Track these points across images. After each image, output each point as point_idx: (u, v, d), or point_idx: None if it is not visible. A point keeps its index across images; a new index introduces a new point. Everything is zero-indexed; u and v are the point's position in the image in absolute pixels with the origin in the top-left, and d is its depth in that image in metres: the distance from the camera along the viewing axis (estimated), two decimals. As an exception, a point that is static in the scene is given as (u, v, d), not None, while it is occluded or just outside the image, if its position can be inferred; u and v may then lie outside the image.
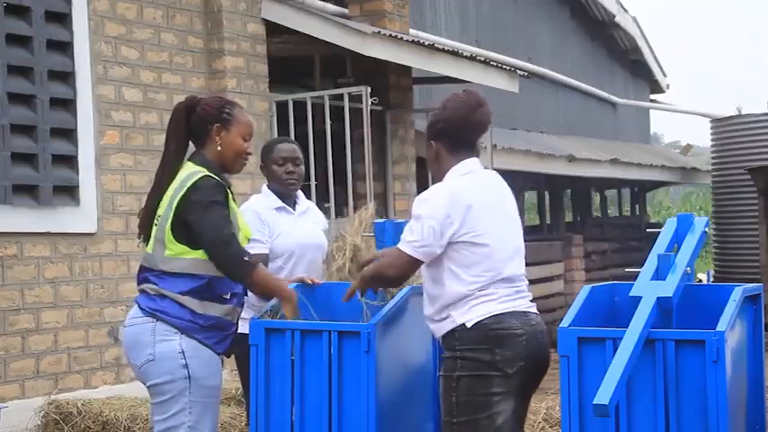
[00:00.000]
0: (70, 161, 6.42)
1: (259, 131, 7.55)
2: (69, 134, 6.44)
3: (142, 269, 3.65)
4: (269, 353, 3.83)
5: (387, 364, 3.73)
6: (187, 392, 3.52)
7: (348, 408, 3.70)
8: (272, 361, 3.83)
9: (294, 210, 4.56)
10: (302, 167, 4.60)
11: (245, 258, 3.53)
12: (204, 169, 3.59)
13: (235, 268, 3.53)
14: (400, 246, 3.52)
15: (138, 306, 3.61)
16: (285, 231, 4.44)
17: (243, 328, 4.18)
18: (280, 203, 4.52)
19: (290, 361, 3.79)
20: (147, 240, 3.65)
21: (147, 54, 7.00)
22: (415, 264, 3.50)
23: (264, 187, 4.63)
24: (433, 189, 3.57)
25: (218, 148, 3.64)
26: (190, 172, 3.57)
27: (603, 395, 3.10)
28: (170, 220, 3.54)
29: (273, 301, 3.98)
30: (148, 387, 3.61)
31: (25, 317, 6.19)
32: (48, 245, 6.29)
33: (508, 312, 3.48)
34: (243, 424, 5.87)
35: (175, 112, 3.72)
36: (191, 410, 3.53)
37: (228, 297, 3.60)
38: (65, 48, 6.48)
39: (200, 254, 3.54)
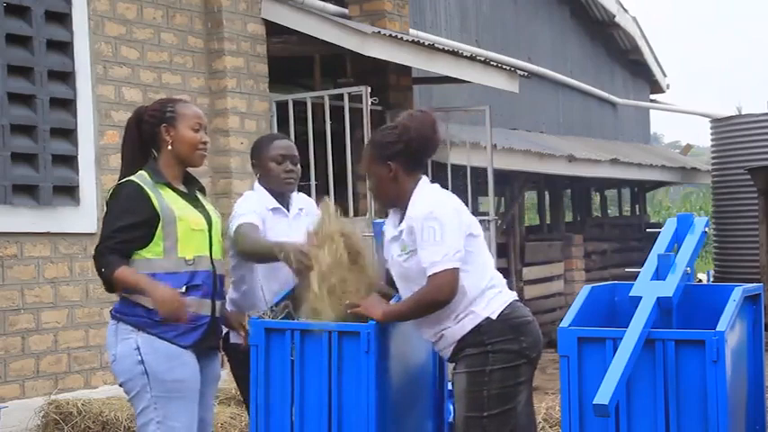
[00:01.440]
0: (70, 161, 6.42)
1: (259, 131, 7.56)
2: (69, 134, 6.44)
3: None
4: (269, 353, 3.83)
5: (387, 365, 3.73)
6: (148, 388, 3.57)
7: (348, 408, 3.69)
8: (272, 361, 3.82)
9: (288, 212, 4.28)
10: (299, 166, 4.35)
11: (103, 270, 3.57)
12: (143, 173, 3.67)
13: (102, 279, 3.62)
14: (435, 268, 3.46)
15: (110, 311, 3.73)
16: (279, 236, 4.11)
17: (235, 338, 4.15)
18: (275, 204, 4.24)
19: (289, 361, 3.79)
20: None
21: (147, 54, 7.00)
22: (458, 274, 3.49)
23: (257, 184, 4.33)
24: (429, 202, 3.56)
25: (169, 147, 3.70)
26: None
27: (603, 395, 3.10)
28: None
29: (274, 301, 3.98)
30: (120, 386, 3.71)
31: (25, 317, 6.19)
32: (48, 245, 6.28)
33: (515, 301, 3.66)
34: (243, 424, 5.87)
35: (126, 126, 3.83)
36: (156, 406, 3.57)
37: (184, 290, 3.61)
38: (65, 48, 6.48)
39: (143, 253, 3.59)
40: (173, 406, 3.57)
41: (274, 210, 4.22)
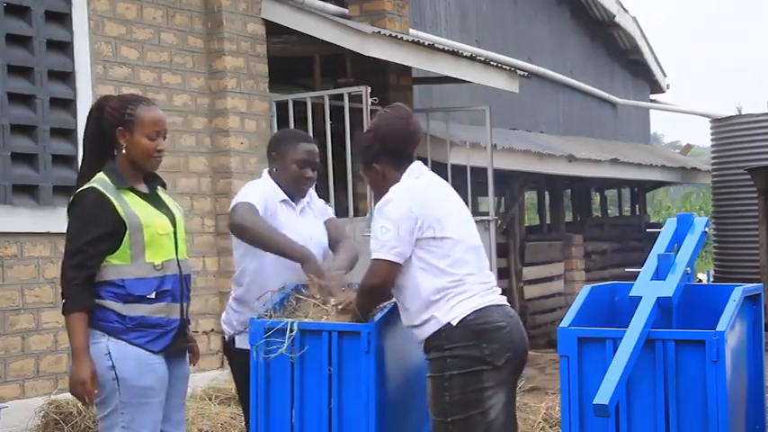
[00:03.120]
0: (70, 161, 6.42)
1: (259, 131, 7.57)
2: (69, 134, 6.44)
3: None
4: (269, 353, 3.82)
5: (387, 364, 3.73)
6: (117, 393, 3.53)
7: (348, 408, 3.69)
8: (272, 361, 3.82)
9: (296, 205, 4.25)
10: (317, 172, 4.31)
11: (64, 300, 3.51)
12: (104, 177, 3.57)
13: (63, 297, 3.54)
14: (374, 255, 3.56)
15: None
16: (288, 228, 4.11)
17: (241, 343, 4.14)
18: (283, 196, 4.21)
19: (289, 361, 3.78)
20: None
21: (147, 54, 7.00)
22: (393, 268, 3.54)
23: (266, 173, 4.29)
24: (392, 190, 3.62)
25: (124, 150, 3.60)
26: (88, 181, 3.59)
27: (603, 395, 3.10)
28: None
29: (271, 302, 3.97)
30: None
31: (25, 317, 6.19)
32: (48, 245, 6.29)
33: (488, 306, 3.54)
34: (243, 424, 5.87)
35: (87, 117, 3.71)
36: (123, 411, 3.54)
37: (154, 297, 3.57)
38: (65, 48, 6.48)
39: (111, 259, 3.54)
40: (139, 412, 3.55)
41: (284, 201, 4.20)
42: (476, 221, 3.87)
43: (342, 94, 7.84)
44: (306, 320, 3.78)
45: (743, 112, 14.86)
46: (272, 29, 7.82)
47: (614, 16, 15.41)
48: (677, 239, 3.77)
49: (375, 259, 3.56)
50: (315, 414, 3.74)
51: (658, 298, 3.42)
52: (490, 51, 11.62)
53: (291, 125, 7.79)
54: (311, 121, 7.83)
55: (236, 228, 4.00)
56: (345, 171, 7.95)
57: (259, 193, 4.12)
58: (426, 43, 8.41)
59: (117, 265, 3.53)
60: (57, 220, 6.31)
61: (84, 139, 3.73)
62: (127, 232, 3.52)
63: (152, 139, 3.60)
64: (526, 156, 11.13)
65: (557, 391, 3.80)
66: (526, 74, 9.78)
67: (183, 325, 3.69)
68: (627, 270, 4.18)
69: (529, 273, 12.21)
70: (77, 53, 6.53)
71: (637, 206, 17.30)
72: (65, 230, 3.59)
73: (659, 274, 3.57)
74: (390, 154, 3.69)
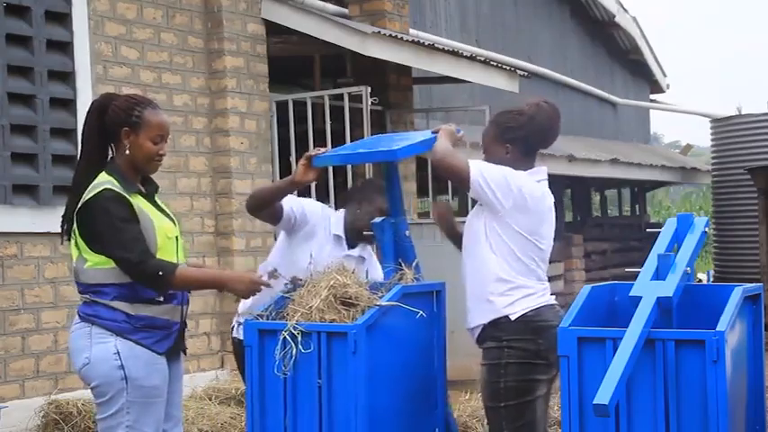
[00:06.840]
0: (70, 161, 6.41)
1: (259, 131, 7.57)
2: (69, 134, 6.44)
3: (76, 280, 3.66)
4: (263, 354, 3.82)
5: (377, 365, 3.71)
6: (124, 393, 3.52)
7: (338, 410, 3.68)
8: (267, 362, 3.81)
9: (349, 249, 4.25)
10: None
11: (159, 273, 3.48)
12: (111, 179, 3.54)
13: (151, 285, 3.53)
14: (472, 164, 3.72)
15: (78, 313, 3.63)
16: (318, 253, 4.14)
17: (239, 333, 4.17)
18: (341, 233, 4.25)
19: (281, 363, 3.77)
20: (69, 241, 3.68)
21: (147, 54, 7.00)
22: (467, 176, 3.70)
23: (339, 215, 4.32)
24: (516, 172, 3.79)
25: (127, 152, 3.59)
26: (95, 183, 3.55)
27: (603, 395, 3.10)
28: (77, 233, 3.61)
29: (265, 305, 3.96)
30: (91, 389, 3.63)
31: (25, 317, 6.19)
32: (48, 245, 6.28)
33: (543, 306, 3.77)
34: (243, 424, 5.87)
35: (88, 113, 3.70)
36: (128, 410, 3.53)
37: (162, 299, 3.57)
38: (65, 48, 6.47)
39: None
40: (144, 411, 3.55)
41: (338, 237, 4.25)
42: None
43: (342, 94, 7.84)
44: (296, 321, 3.76)
45: (743, 112, 14.84)
46: (272, 29, 7.82)
47: (614, 16, 15.42)
48: (677, 239, 3.76)
49: (469, 163, 3.72)
50: (306, 415, 3.73)
51: (658, 298, 3.42)
52: (490, 51, 11.62)
53: (291, 125, 7.79)
54: (311, 121, 7.83)
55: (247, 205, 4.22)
56: (345, 171, 7.95)
57: (317, 208, 4.29)
58: (426, 43, 8.41)
59: None
60: (57, 220, 6.28)
61: (82, 135, 3.71)
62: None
63: (156, 143, 3.61)
64: (526, 156, 11.12)
65: (557, 391, 3.80)
66: (526, 74, 9.78)
67: (183, 327, 3.72)
68: (627, 270, 4.19)
69: (529, 273, 12.17)
70: (77, 53, 6.52)
71: (637, 206, 17.30)
72: (88, 237, 3.57)
73: (659, 274, 3.57)
74: (528, 144, 3.87)
